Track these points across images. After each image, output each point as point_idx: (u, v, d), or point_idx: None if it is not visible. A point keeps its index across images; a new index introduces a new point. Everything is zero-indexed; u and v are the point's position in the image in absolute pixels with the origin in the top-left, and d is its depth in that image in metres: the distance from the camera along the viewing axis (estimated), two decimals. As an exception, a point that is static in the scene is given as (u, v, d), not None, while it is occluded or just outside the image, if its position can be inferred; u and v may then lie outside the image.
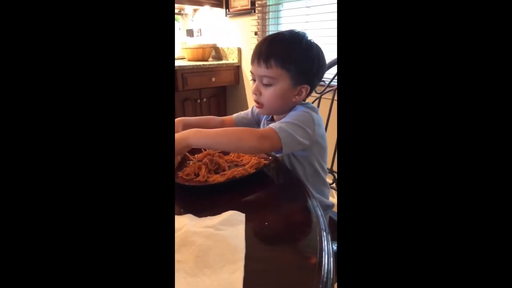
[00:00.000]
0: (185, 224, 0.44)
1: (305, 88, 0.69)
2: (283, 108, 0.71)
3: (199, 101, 2.20)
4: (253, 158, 0.67)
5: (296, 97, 0.69)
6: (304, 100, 0.74)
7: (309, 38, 0.68)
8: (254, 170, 0.62)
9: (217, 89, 2.31)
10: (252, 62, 0.69)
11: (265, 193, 0.60)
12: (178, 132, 0.71)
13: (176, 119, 0.75)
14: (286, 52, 0.65)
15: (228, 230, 0.44)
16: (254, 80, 0.71)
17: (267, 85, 0.68)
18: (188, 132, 0.59)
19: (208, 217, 0.48)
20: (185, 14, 2.51)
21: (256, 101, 0.72)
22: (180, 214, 0.49)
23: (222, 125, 0.86)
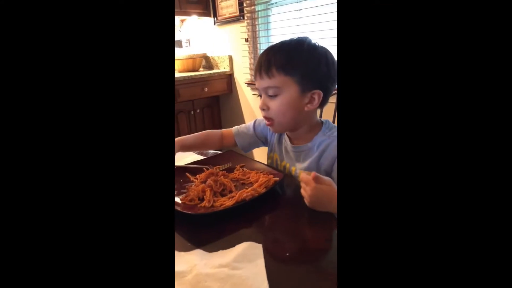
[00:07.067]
0: (194, 265, 0.38)
1: (317, 94, 0.62)
2: (295, 120, 0.65)
3: (192, 112, 2.14)
4: (262, 175, 0.61)
5: (308, 105, 0.62)
6: (321, 107, 0.67)
7: (312, 41, 0.63)
8: (265, 190, 0.56)
9: (210, 99, 2.25)
10: (255, 77, 0.65)
11: (280, 216, 0.53)
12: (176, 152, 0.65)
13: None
14: (286, 58, 0.61)
15: (246, 268, 0.37)
16: (260, 96, 0.66)
17: (273, 96, 0.62)
18: None
19: (220, 252, 0.42)
20: (173, 25, 2.46)
21: (266, 118, 0.66)
22: (187, 250, 0.42)
23: (221, 139, 0.81)
